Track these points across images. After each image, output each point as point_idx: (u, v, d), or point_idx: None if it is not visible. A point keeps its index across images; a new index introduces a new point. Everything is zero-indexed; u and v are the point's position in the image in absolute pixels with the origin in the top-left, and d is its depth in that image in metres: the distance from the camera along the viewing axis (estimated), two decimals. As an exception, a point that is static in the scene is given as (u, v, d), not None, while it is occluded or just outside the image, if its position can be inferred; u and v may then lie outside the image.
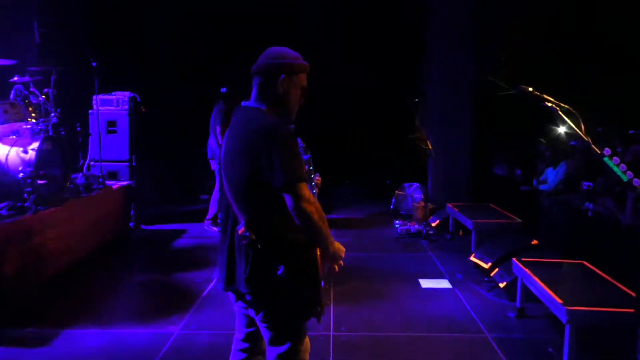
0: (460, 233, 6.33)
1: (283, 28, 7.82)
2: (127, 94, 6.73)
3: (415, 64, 8.03)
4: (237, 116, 2.16)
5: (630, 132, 5.98)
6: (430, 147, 6.40)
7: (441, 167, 7.09)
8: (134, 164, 6.71)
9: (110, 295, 4.61)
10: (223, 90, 6.20)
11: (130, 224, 6.42)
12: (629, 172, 2.30)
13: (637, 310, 2.35)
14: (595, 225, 5.12)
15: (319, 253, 2.09)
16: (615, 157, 2.33)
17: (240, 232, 2.00)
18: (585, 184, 5.80)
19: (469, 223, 5.64)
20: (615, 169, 2.32)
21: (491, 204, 6.26)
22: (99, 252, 5.42)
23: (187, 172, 8.47)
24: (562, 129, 6.32)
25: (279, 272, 2.00)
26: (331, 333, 3.74)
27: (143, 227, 6.65)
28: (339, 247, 2.11)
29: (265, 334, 2.19)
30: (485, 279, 4.83)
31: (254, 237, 1.98)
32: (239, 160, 2.03)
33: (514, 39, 7.53)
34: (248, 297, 2.12)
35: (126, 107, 6.68)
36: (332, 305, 4.22)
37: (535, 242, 5.01)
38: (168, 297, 4.50)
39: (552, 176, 6.76)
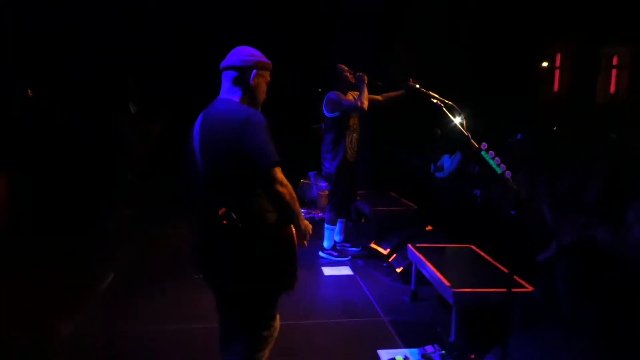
0: (362, 220, 6.57)
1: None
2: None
3: (320, 58, 8.18)
4: (212, 108, 2.33)
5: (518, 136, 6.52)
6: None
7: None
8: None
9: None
10: None
11: None
12: (502, 165, 2.54)
13: (508, 287, 2.60)
14: (483, 210, 5.54)
15: (293, 230, 2.30)
16: (490, 151, 2.56)
17: (221, 212, 2.14)
18: (472, 169, 6.25)
19: (369, 211, 5.87)
20: (491, 162, 2.55)
21: (390, 192, 6.56)
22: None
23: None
24: (457, 120, 6.75)
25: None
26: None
27: None
28: (307, 224, 2.37)
29: (237, 319, 2.37)
30: (384, 264, 5.08)
31: (234, 216, 2.14)
32: (219, 147, 2.20)
33: (414, 38, 7.91)
34: (224, 278, 2.28)
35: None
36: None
37: (429, 227, 5.34)
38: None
39: (447, 164, 7.21)
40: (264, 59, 2.41)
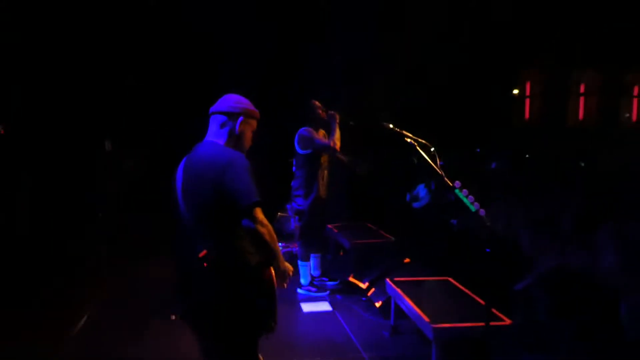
0: (341, 253, 6.55)
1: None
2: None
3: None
4: (198, 150, 2.40)
5: (477, 150, 6.64)
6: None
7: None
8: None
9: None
10: None
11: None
12: (475, 203, 2.58)
13: (487, 321, 2.62)
14: (459, 240, 5.58)
15: (273, 272, 2.34)
16: (464, 189, 2.60)
17: (201, 254, 2.18)
18: (449, 198, 6.31)
19: (346, 243, 5.87)
20: (465, 200, 2.58)
21: (368, 224, 6.57)
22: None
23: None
24: (432, 149, 6.86)
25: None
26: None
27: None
28: (288, 265, 2.41)
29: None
30: (363, 298, 5.06)
31: (215, 258, 2.19)
32: (202, 188, 2.24)
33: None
34: (205, 320, 2.30)
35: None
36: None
37: (407, 260, 5.36)
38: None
39: (423, 193, 7.27)
40: (252, 107, 2.50)
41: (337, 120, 5.02)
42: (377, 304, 4.71)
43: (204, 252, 2.19)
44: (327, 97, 5.74)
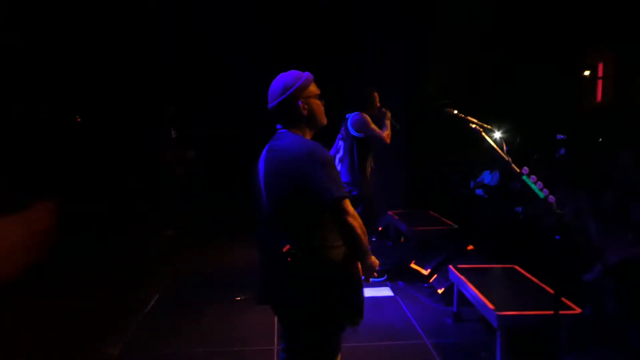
0: (402, 240, 6.57)
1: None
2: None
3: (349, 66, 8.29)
4: (276, 141, 2.31)
5: (559, 137, 6.44)
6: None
7: (380, 175, 7.33)
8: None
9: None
10: None
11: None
12: (545, 190, 2.54)
13: (555, 309, 2.58)
14: (526, 228, 5.47)
15: (359, 266, 2.27)
16: (532, 176, 2.56)
17: (285, 249, 2.13)
18: (515, 186, 6.19)
19: (409, 231, 5.88)
20: (533, 186, 2.55)
21: (430, 211, 6.54)
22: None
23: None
24: (498, 134, 6.72)
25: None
26: (274, 347, 3.86)
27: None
28: (374, 259, 2.31)
29: (300, 353, 2.33)
30: (425, 285, 5.07)
31: (299, 253, 2.12)
32: (282, 182, 2.18)
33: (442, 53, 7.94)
34: (290, 313, 2.27)
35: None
36: (275, 319, 4.32)
37: (470, 247, 5.31)
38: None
39: (488, 179, 7.15)
40: (300, 80, 2.29)
41: (388, 117, 5.05)
42: (440, 291, 4.71)
43: (287, 247, 2.14)
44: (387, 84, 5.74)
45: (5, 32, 6.27)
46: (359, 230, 2.14)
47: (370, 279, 2.34)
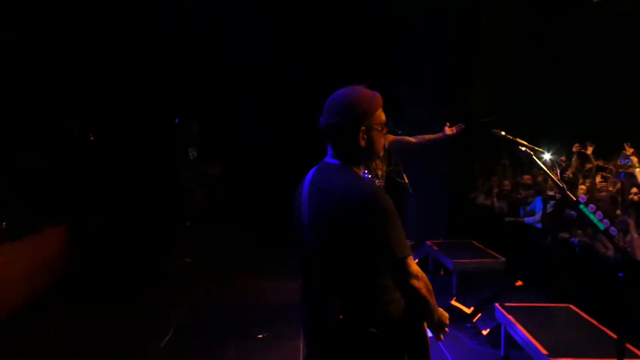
0: (441, 272, 6.41)
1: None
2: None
3: (389, 90, 8.28)
4: (325, 173, 2.12)
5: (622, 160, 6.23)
6: (407, 180, 6.51)
7: (418, 201, 7.23)
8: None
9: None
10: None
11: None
12: (605, 220, 2.42)
13: (619, 356, 2.42)
14: (582, 262, 5.27)
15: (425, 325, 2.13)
16: (590, 205, 2.44)
17: (332, 307, 2.00)
18: (570, 214, 5.99)
19: (449, 263, 5.73)
20: (592, 217, 2.42)
21: (473, 241, 6.39)
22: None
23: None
24: (548, 156, 6.56)
25: None
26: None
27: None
28: (443, 313, 2.14)
29: None
30: (468, 324, 4.92)
31: (353, 311, 1.99)
32: (334, 228, 2.00)
33: (488, 67, 7.86)
34: None
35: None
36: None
37: (519, 283, 5.15)
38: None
39: (540, 207, 6.94)
40: (369, 103, 2.07)
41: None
42: (485, 332, 4.56)
43: (339, 304, 1.99)
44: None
45: (7, 34, 6.49)
46: (424, 292, 1.98)
47: (442, 336, 2.18)
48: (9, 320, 4.94)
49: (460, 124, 4.78)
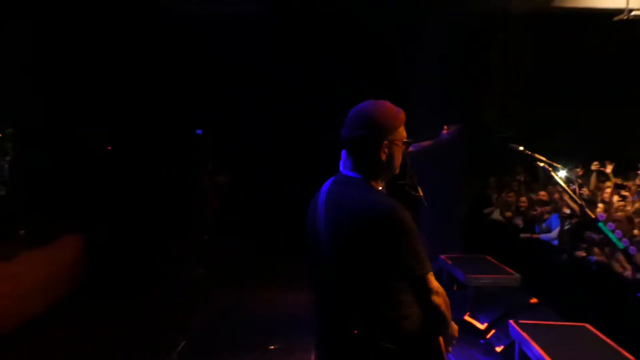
0: (455, 287, 6.43)
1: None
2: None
3: (403, 102, 8.33)
4: (343, 186, 2.14)
5: None
6: (421, 194, 6.55)
7: (432, 214, 7.25)
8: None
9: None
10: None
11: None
12: (624, 239, 2.47)
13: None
14: (599, 281, 5.28)
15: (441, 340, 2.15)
16: (610, 223, 2.50)
17: (347, 322, 2.01)
18: (591, 236, 5.99)
19: (463, 278, 5.75)
20: (611, 235, 2.48)
21: (487, 256, 6.40)
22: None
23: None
24: (564, 173, 6.58)
25: None
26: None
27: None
28: (454, 326, 2.18)
29: None
30: (481, 341, 4.93)
31: (368, 326, 2.00)
32: (352, 243, 2.02)
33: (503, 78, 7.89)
34: None
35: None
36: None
37: (534, 300, 5.16)
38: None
39: (556, 224, 6.93)
40: (393, 119, 2.13)
41: None
42: (498, 349, 4.58)
43: (354, 319, 2.01)
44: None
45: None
46: (443, 308, 2.02)
47: (450, 348, 2.22)
48: (27, 327, 4.99)
49: (458, 125, 4.90)
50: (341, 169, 2.20)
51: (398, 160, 2.18)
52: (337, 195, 2.12)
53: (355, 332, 1.99)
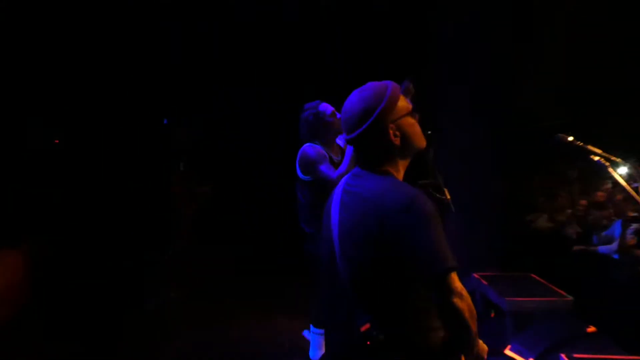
0: (492, 314, 6.34)
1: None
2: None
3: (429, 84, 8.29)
4: (358, 179, 2.28)
5: None
6: (448, 197, 6.48)
7: (463, 222, 7.18)
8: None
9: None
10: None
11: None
12: None
13: None
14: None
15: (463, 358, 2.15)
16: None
17: (363, 329, 2.10)
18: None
19: (502, 302, 5.66)
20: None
21: (532, 275, 6.31)
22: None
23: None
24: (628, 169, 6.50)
25: None
26: None
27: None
28: (482, 346, 2.21)
29: None
30: (526, 381, 4.85)
31: (382, 337, 2.09)
32: (367, 240, 2.12)
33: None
34: None
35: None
36: None
37: (592, 329, 5.08)
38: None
39: (619, 232, 6.85)
40: (385, 98, 2.22)
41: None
42: (547, 391, 4.50)
43: (367, 325, 2.10)
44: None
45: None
46: (467, 315, 2.02)
47: None
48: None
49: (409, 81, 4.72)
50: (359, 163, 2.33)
51: (415, 134, 2.28)
52: (353, 187, 2.27)
53: (368, 342, 2.10)
